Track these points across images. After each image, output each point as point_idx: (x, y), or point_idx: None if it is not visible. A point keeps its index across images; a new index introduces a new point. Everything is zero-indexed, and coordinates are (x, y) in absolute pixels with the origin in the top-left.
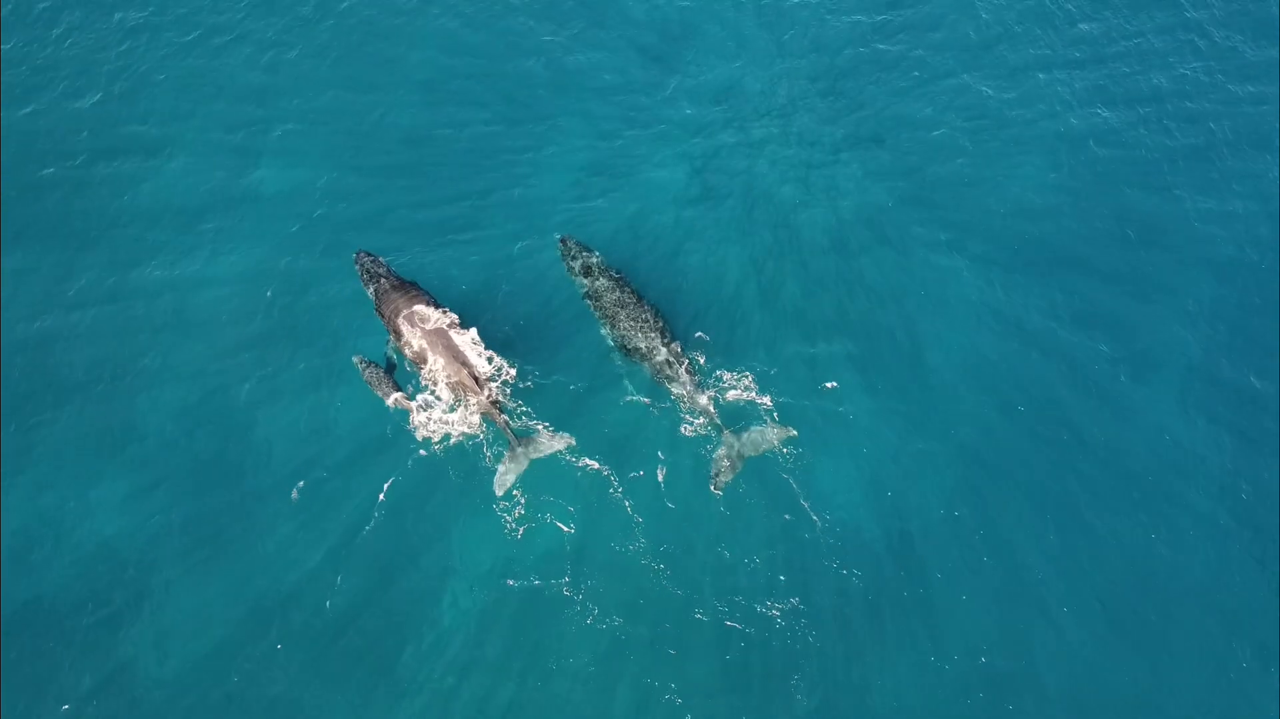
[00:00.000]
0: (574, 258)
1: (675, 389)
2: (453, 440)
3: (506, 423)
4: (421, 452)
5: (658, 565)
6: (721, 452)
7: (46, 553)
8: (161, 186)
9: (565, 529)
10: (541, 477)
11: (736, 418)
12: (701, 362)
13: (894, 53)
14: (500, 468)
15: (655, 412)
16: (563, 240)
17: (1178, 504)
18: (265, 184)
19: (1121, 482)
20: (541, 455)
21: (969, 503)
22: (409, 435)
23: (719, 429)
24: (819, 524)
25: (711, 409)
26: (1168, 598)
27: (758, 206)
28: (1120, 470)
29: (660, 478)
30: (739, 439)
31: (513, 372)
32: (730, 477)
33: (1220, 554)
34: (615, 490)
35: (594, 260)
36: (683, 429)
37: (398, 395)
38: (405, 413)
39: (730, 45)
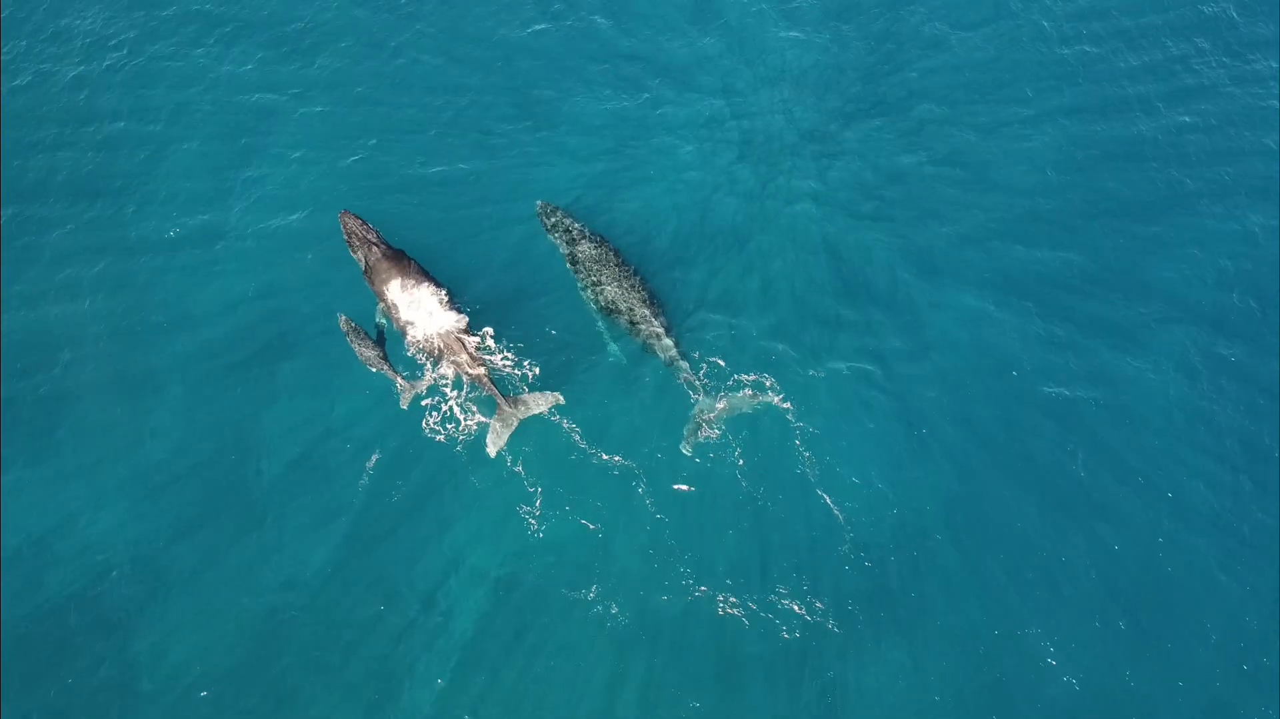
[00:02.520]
0: (553, 223)
1: (654, 344)
2: (471, 435)
3: (491, 384)
4: (439, 436)
5: (680, 568)
6: (696, 412)
7: (47, 553)
8: (154, 166)
9: (588, 526)
10: (559, 472)
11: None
12: (722, 365)
13: (891, 41)
14: (491, 429)
15: (665, 400)
16: (541, 205)
17: (1186, 507)
18: (261, 165)
19: (1130, 483)
20: (530, 414)
21: (981, 502)
22: (420, 429)
23: (695, 389)
24: (842, 522)
25: (689, 372)
26: (1176, 604)
27: (767, 192)
28: (1128, 471)
29: (679, 486)
30: (714, 402)
31: (512, 355)
32: (701, 438)
33: (1224, 561)
34: (637, 486)
35: (572, 223)
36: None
37: (384, 365)
38: (417, 406)
39: (737, 29)
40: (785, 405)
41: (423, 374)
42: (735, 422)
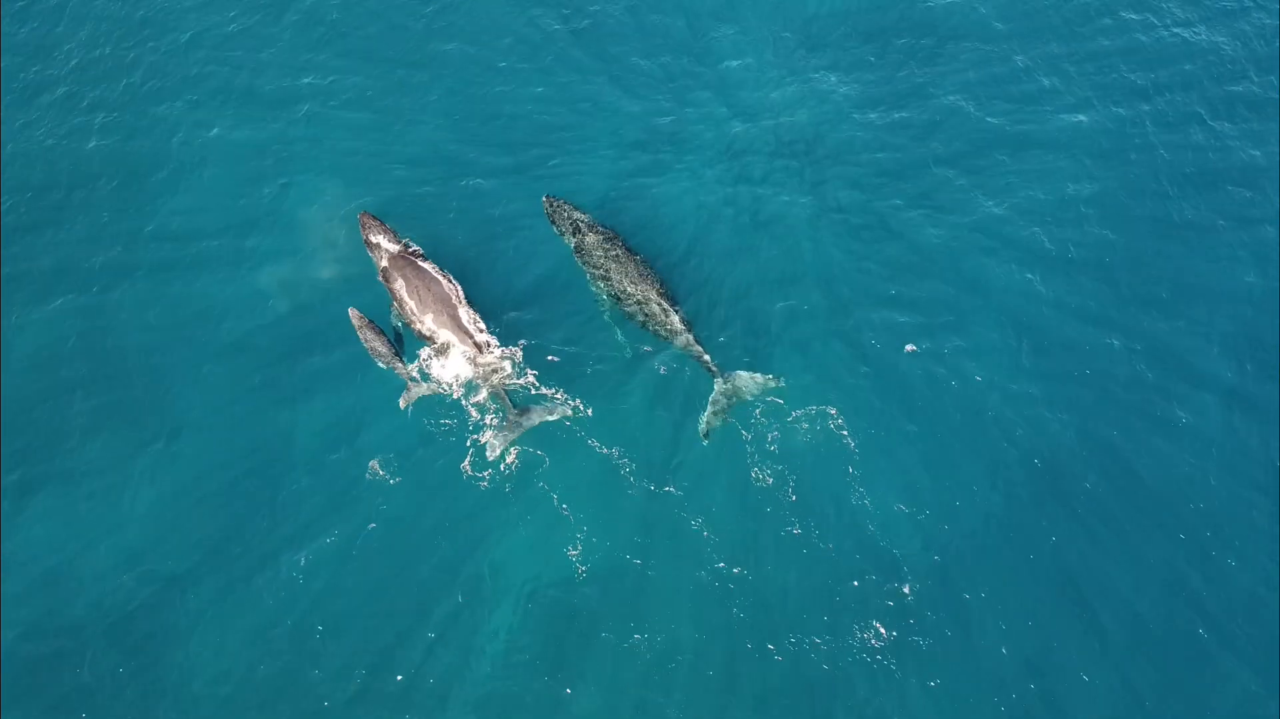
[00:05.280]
0: (559, 216)
1: (669, 335)
2: (513, 470)
3: (502, 389)
4: (482, 483)
5: (733, 608)
6: (714, 397)
7: (61, 575)
8: (178, 166)
9: (635, 561)
10: (606, 505)
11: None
12: (781, 404)
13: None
14: (494, 433)
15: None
16: (547, 200)
17: (1220, 529)
18: (285, 169)
19: (1165, 501)
20: (538, 423)
21: (1046, 535)
22: (454, 453)
23: (711, 374)
24: (898, 557)
25: (705, 355)
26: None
27: (795, 195)
28: (1167, 490)
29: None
30: (731, 384)
31: (519, 356)
32: (719, 422)
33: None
34: (689, 519)
35: (579, 216)
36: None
37: (396, 362)
38: (465, 431)
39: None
40: (843, 433)
41: (431, 378)
42: (790, 456)
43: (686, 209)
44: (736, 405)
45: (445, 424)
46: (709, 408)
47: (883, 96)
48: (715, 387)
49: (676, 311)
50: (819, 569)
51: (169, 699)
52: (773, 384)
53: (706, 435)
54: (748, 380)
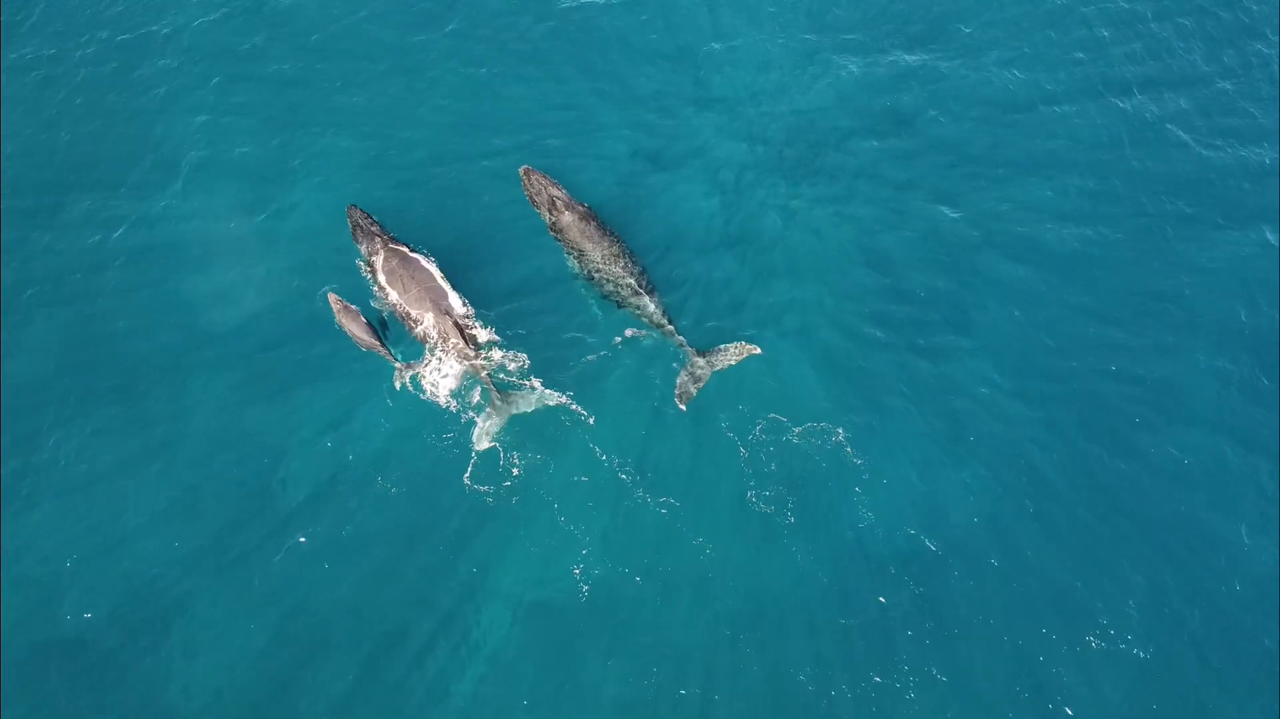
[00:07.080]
0: (536, 189)
1: (640, 312)
2: (518, 480)
3: (487, 376)
4: (488, 498)
5: (741, 643)
6: (686, 369)
7: (68, 580)
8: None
9: (636, 580)
10: (610, 520)
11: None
12: (783, 420)
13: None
14: (480, 422)
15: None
16: (524, 170)
17: (1224, 532)
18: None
19: (1170, 501)
20: (523, 411)
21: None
22: (455, 463)
23: (684, 348)
24: (895, 574)
25: (677, 334)
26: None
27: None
28: (1169, 489)
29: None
30: (704, 356)
31: (525, 359)
32: (694, 392)
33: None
34: (693, 538)
35: (557, 193)
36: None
37: (377, 345)
38: (467, 433)
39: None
40: (849, 450)
41: (420, 358)
42: (791, 473)
43: (678, 200)
44: (713, 378)
45: (447, 437)
46: (683, 378)
47: (883, 80)
48: (688, 359)
49: (648, 289)
50: (820, 588)
51: (164, 697)
52: (741, 352)
53: (683, 405)
54: (721, 354)
